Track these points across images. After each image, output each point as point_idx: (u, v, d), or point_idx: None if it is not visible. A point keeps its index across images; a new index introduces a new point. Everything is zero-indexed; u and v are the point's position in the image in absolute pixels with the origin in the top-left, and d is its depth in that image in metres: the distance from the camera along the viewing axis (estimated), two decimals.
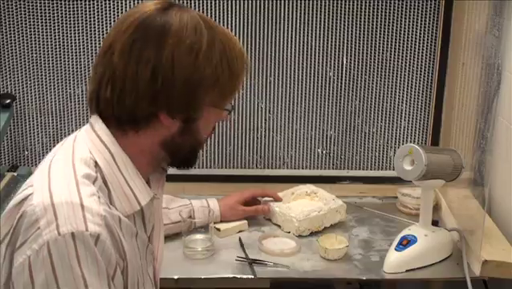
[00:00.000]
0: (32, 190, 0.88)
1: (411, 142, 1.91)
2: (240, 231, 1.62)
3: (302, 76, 1.87)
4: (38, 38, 1.79)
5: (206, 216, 1.55)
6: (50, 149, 1.00)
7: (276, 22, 1.82)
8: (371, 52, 1.85)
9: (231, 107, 1.01)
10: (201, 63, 0.91)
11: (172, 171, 1.09)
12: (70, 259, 0.81)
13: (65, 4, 1.76)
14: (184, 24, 0.91)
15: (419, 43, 1.84)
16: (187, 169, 1.05)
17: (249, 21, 1.81)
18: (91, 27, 1.79)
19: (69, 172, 0.89)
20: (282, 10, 1.80)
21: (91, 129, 0.96)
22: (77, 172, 0.89)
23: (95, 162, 0.92)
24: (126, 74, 0.90)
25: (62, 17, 1.78)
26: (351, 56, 1.85)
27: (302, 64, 1.86)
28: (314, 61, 1.86)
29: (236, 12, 1.80)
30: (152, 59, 0.89)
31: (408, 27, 1.83)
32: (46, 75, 1.83)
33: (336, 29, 1.83)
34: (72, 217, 0.83)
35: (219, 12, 1.80)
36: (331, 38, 1.84)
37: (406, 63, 1.86)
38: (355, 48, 1.85)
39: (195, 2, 1.78)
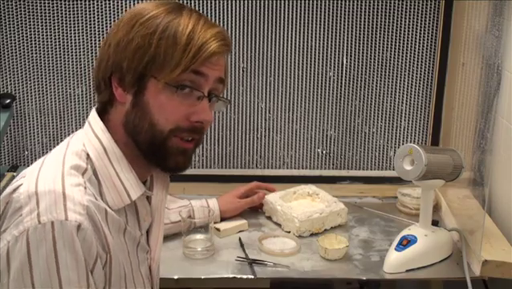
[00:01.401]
0: (23, 181, 0.89)
1: (411, 142, 1.91)
2: (240, 231, 1.62)
3: (302, 76, 1.87)
4: (38, 38, 1.79)
5: (206, 216, 1.55)
6: (51, 149, 1.00)
7: (276, 22, 1.82)
8: (371, 52, 1.85)
9: (188, 86, 0.94)
10: (135, 29, 0.93)
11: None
12: (47, 248, 0.82)
13: (65, 4, 1.77)
14: (152, 4, 0.95)
15: (419, 43, 1.84)
16: (170, 173, 1.03)
17: (249, 21, 1.81)
18: (91, 27, 1.79)
19: (58, 164, 0.91)
20: (282, 10, 1.80)
21: (88, 123, 0.98)
22: (65, 164, 0.91)
23: (87, 154, 0.94)
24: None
25: (62, 17, 1.78)
26: (351, 56, 1.85)
27: (302, 64, 1.86)
28: (314, 61, 1.86)
29: (236, 12, 1.80)
30: (110, 30, 0.97)
31: (408, 27, 1.83)
32: (46, 75, 1.83)
33: (336, 29, 1.83)
34: (53, 206, 0.84)
35: (219, 12, 1.80)
36: (331, 38, 1.84)
37: (406, 63, 1.86)
38: (355, 48, 1.85)
39: (195, 2, 1.78)
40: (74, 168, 0.90)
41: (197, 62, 0.92)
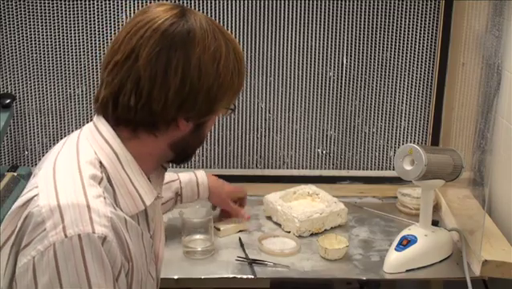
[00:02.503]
0: (37, 191, 0.88)
1: (411, 142, 1.91)
2: (240, 231, 1.62)
3: (302, 76, 1.87)
4: (38, 38, 1.79)
5: (195, 192, 1.57)
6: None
7: (276, 22, 1.82)
8: (371, 52, 1.85)
9: (233, 105, 1.04)
10: (222, 71, 0.93)
11: (171, 170, 1.09)
12: (76, 262, 0.81)
13: (65, 4, 1.77)
14: (204, 30, 0.93)
15: (419, 43, 1.84)
16: (184, 163, 1.08)
17: (249, 21, 1.81)
18: (91, 27, 1.79)
19: (75, 173, 0.89)
20: (282, 10, 1.80)
21: (96, 129, 0.95)
22: (83, 174, 0.89)
23: (100, 162, 0.93)
24: (154, 81, 0.90)
25: (62, 17, 1.78)
26: (351, 56, 1.85)
27: (302, 64, 1.86)
28: (314, 61, 1.86)
29: (236, 12, 1.80)
30: (181, 67, 0.90)
31: (408, 27, 1.83)
32: (46, 75, 1.83)
33: (336, 29, 1.83)
34: (79, 219, 0.83)
35: (219, 12, 1.80)
36: (331, 38, 1.84)
37: (406, 63, 1.86)
38: (355, 48, 1.85)
39: (195, 2, 1.78)
40: (92, 178, 0.89)
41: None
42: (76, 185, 0.87)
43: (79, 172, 0.89)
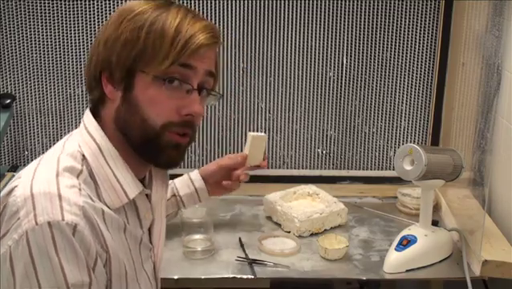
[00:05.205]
0: (18, 182, 0.89)
1: (411, 142, 1.91)
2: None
3: (302, 76, 1.87)
4: (38, 38, 1.79)
5: (192, 190, 1.50)
6: None
7: (276, 22, 1.82)
8: (371, 52, 1.85)
9: (172, 78, 0.93)
10: (123, 25, 0.93)
11: (173, 171, 1.08)
12: (47, 248, 0.82)
13: (65, 4, 1.77)
14: (141, 1, 0.95)
15: (419, 43, 1.84)
16: (165, 169, 1.04)
17: (249, 21, 1.81)
18: (91, 27, 1.79)
19: (52, 165, 0.91)
20: (282, 10, 1.81)
21: (82, 123, 0.98)
22: (60, 165, 0.90)
23: (83, 155, 0.94)
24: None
25: (62, 17, 1.78)
26: (351, 56, 1.85)
27: (302, 64, 1.86)
28: (314, 61, 1.86)
29: (236, 12, 1.80)
30: (100, 29, 0.97)
31: (408, 27, 1.83)
32: (46, 75, 1.83)
33: (336, 29, 1.83)
34: (49, 207, 0.84)
35: (219, 12, 1.80)
36: (331, 38, 1.84)
37: (406, 63, 1.86)
38: (355, 48, 1.85)
39: (195, 2, 1.78)
40: (67, 170, 0.90)
41: (185, 54, 0.92)
42: (50, 175, 0.89)
43: (57, 163, 0.91)
